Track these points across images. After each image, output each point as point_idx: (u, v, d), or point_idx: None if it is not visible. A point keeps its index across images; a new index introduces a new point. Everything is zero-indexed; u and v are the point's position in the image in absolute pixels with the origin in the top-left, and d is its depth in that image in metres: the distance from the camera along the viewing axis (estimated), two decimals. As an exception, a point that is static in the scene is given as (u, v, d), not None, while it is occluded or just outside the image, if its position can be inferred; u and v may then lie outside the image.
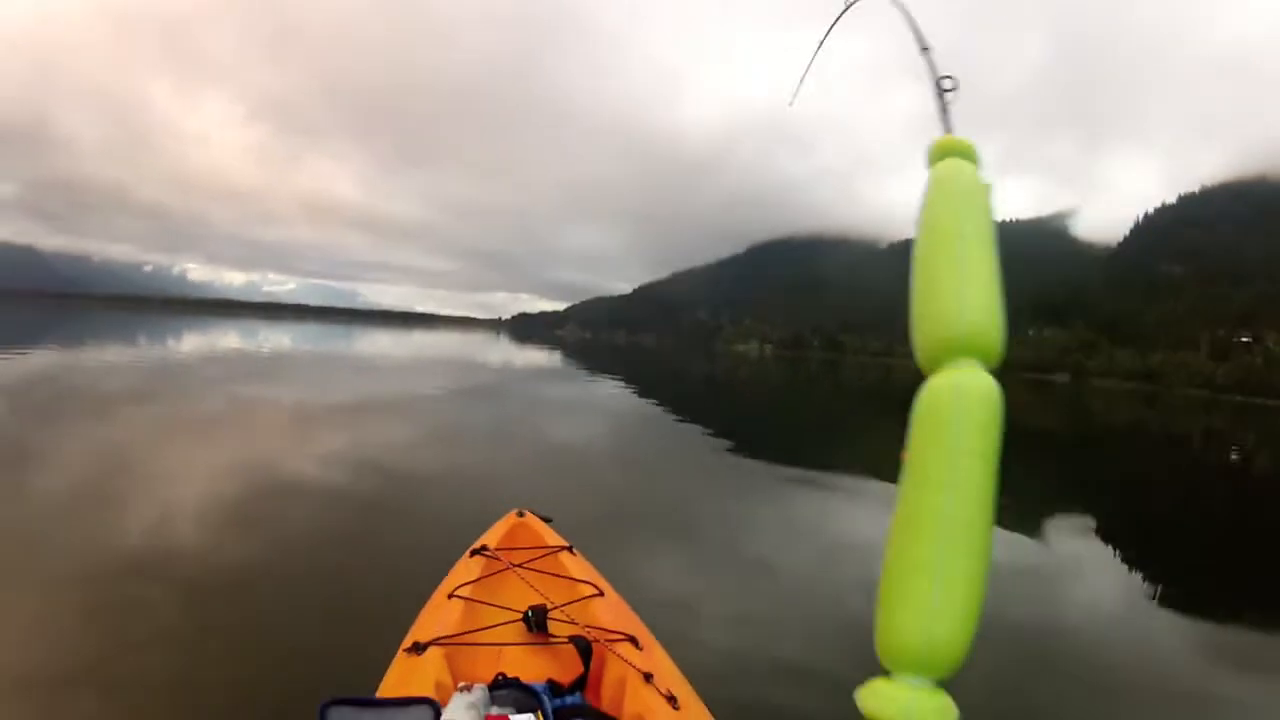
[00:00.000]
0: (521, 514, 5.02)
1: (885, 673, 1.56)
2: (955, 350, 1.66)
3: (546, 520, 5.03)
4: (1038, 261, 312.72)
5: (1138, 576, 9.78)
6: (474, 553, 4.41)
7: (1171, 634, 7.56)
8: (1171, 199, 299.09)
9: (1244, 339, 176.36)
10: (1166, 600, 8.70)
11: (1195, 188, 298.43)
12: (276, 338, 59.93)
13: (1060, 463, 22.67)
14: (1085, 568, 9.99)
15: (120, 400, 17.26)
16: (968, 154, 1.96)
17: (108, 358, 29.79)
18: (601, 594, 3.97)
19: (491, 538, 4.65)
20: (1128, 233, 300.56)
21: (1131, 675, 6.30)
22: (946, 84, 2.14)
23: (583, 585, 4.04)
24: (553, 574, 4.19)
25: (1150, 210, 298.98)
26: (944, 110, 2.10)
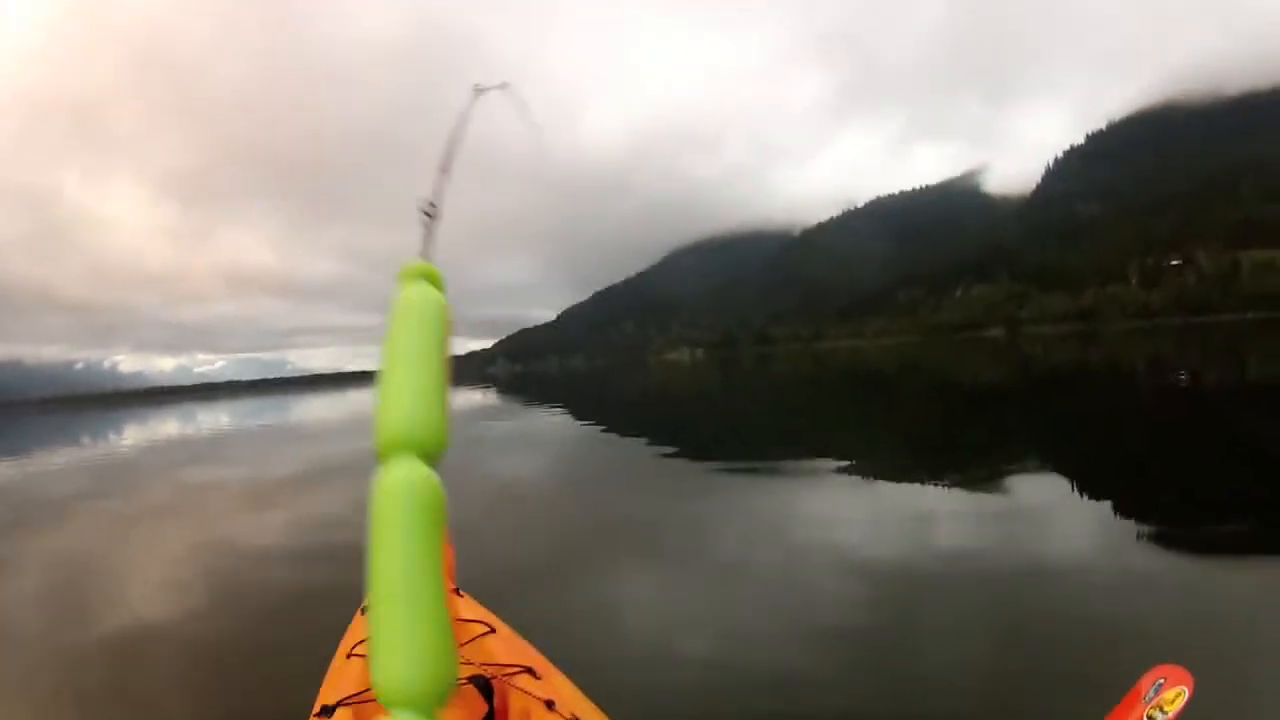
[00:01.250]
0: None
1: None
2: (402, 446, 1.88)
3: None
4: (955, 223, 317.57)
5: (1103, 512, 9.15)
6: (364, 610, 3.80)
7: (1148, 564, 7.13)
8: (1080, 140, 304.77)
9: (1174, 262, 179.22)
10: (1136, 532, 8.12)
11: (1103, 124, 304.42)
12: (212, 418, 58.89)
13: (1006, 413, 21.71)
14: (1051, 510, 9.38)
15: (69, 502, 16.81)
16: (434, 279, 2.25)
17: (54, 461, 29.60)
18: (493, 630, 3.72)
19: None
20: (1040, 180, 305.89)
21: (1113, 610, 5.90)
22: (431, 211, 2.45)
23: (474, 625, 3.73)
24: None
25: (1059, 154, 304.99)
26: (427, 237, 2.42)
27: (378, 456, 1.91)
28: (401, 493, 1.81)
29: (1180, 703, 2.34)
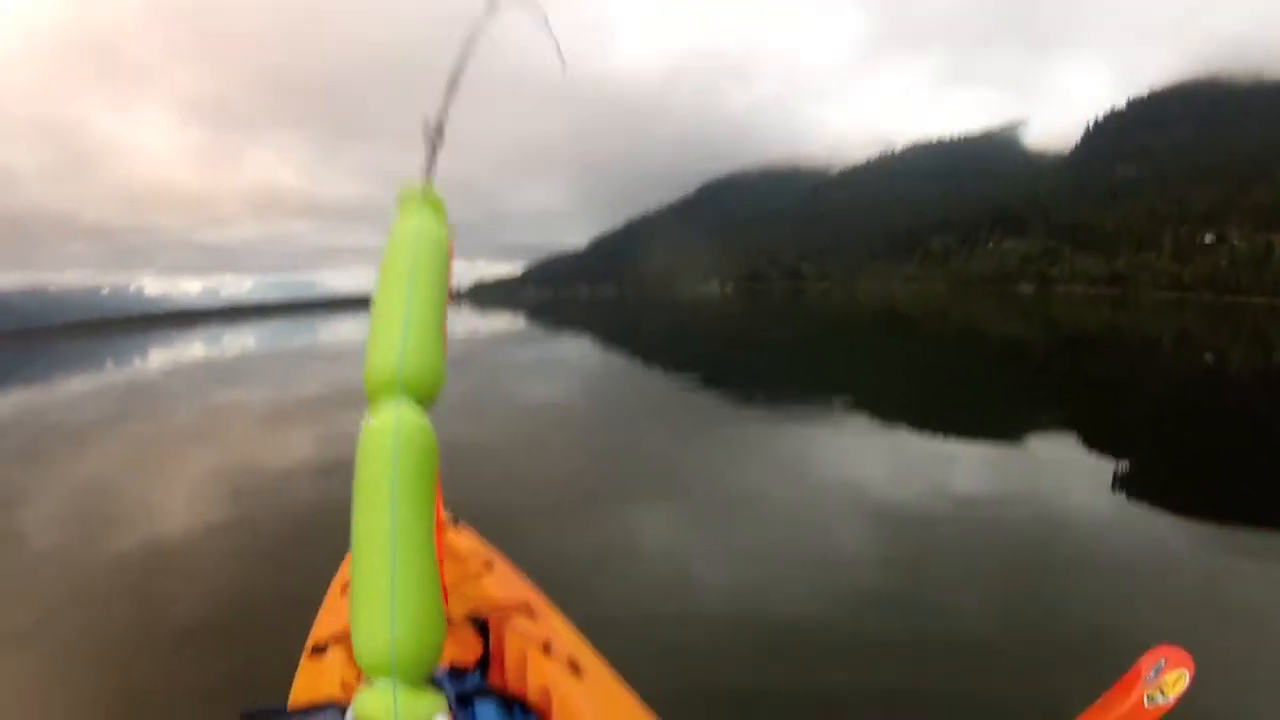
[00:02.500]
0: None
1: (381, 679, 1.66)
2: (394, 389, 1.84)
3: None
4: (991, 174, 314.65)
5: (1117, 483, 9.43)
6: None
7: (1155, 539, 7.40)
8: (1121, 104, 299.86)
9: (1208, 238, 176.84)
10: (1152, 499, 8.62)
11: (1144, 91, 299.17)
12: (240, 341, 59.59)
13: (1031, 371, 22.13)
14: (1070, 473, 9.74)
15: (93, 428, 17.60)
16: (435, 204, 2.25)
17: (79, 388, 30.06)
18: (491, 566, 3.95)
19: None
20: (1079, 139, 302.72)
21: (1116, 585, 6.16)
22: (434, 133, 2.34)
23: (471, 560, 3.98)
24: (441, 552, 3.26)
25: (1100, 116, 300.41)
26: (430, 159, 2.32)
27: (367, 396, 1.88)
28: (391, 438, 1.76)
29: (1181, 686, 2.27)
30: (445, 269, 2.13)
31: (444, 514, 4.35)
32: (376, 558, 1.67)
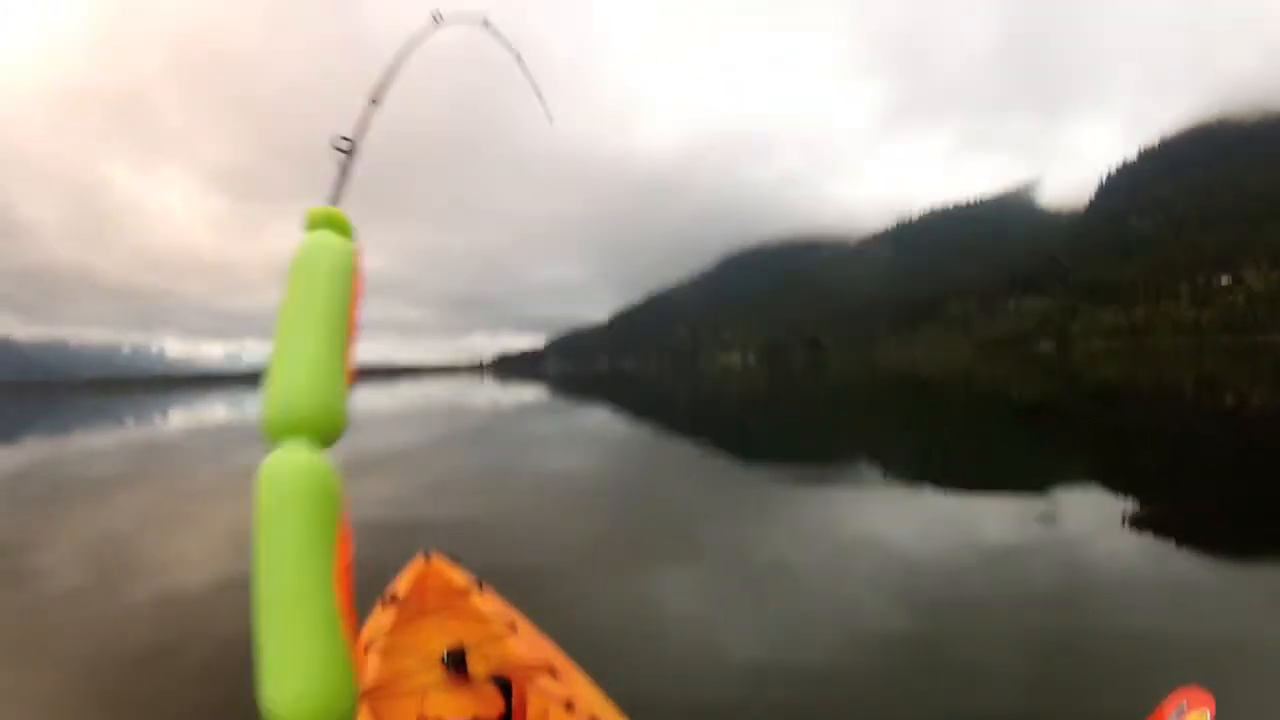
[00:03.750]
0: (428, 556, 4.89)
1: None
2: (293, 428, 1.74)
3: (454, 558, 4.97)
4: (1007, 236, 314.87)
5: (1143, 531, 9.10)
6: (385, 603, 4.24)
7: (1199, 580, 7.13)
8: (1133, 156, 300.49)
9: (1224, 281, 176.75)
10: (1188, 547, 8.28)
11: (1155, 141, 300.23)
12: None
13: (1054, 428, 22.14)
14: (1093, 523, 9.48)
15: (113, 483, 17.13)
16: (340, 226, 2.10)
17: (97, 442, 29.87)
18: (515, 628, 3.96)
19: (400, 585, 4.56)
20: (1093, 195, 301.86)
21: (1144, 630, 5.88)
22: (344, 146, 2.25)
23: (496, 622, 4.02)
24: (466, 615, 4.21)
25: (1113, 170, 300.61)
26: (342, 176, 2.22)
27: (265, 433, 1.77)
28: (289, 482, 1.68)
29: None
30: (349, 296, 1.97)
31: (469, 577, 4.65)
32: (278, 612, 1.64)
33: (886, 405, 34.84)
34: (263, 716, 1.63)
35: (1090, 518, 9.95)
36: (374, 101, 2.41)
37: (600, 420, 30.94)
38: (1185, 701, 2.36)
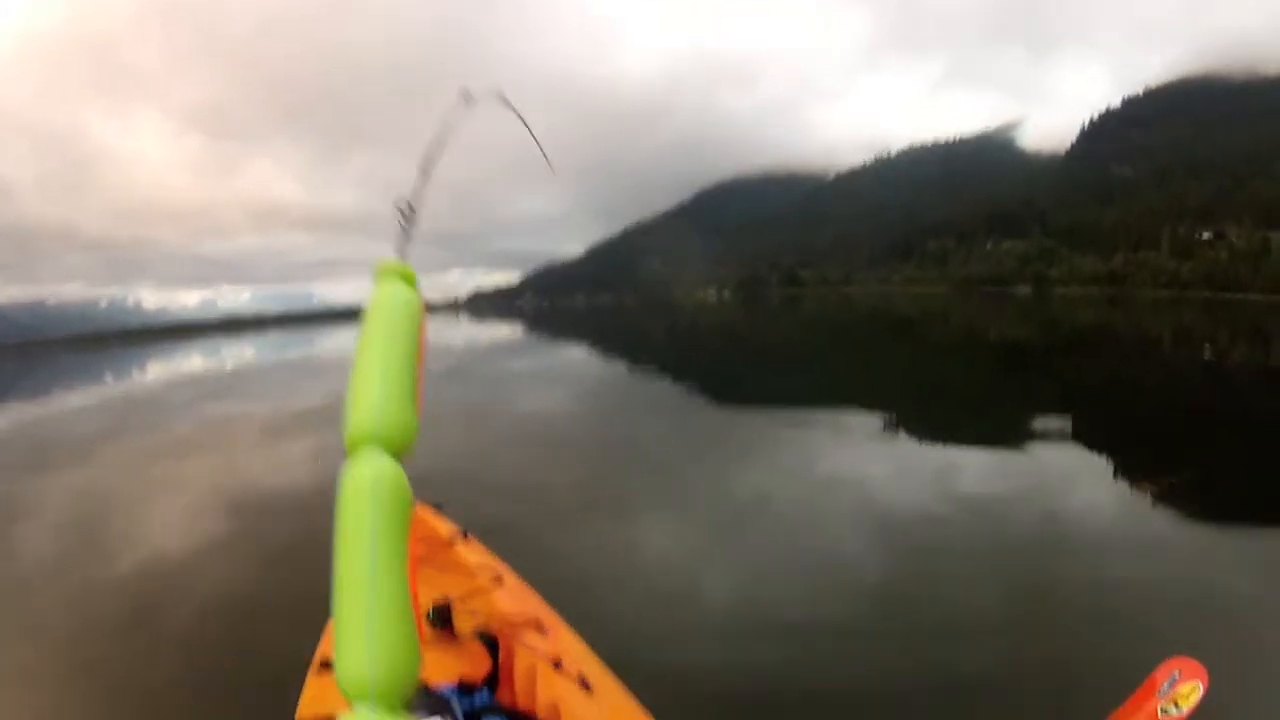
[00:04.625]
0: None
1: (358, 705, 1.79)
2: (370, 440, 2.06)
3: (437, 507, 4.98)
4: (988, 175, 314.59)
5: (1121, 485, 9.55)
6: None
7: (1181, 540, 7.43)
8: (1116, 103, 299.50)
9: (1206, 235, 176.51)
10: (1152, 508, 8.50)
11: (1140, 90, 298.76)
12: (238, 353, 59.27)
13: (1033, 372, 22.27)
14: (1076, 478, 9.72)
15: (91, 441, 17.65)
16: (408, 278, 2.55)
17: (78, 401, 30.14)
18: (501, 580, 3.94)
19: None
20: (1075, 139, 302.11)
21: (1137, 580, 6.22)
22: (407, 212, 2.66)
23: (481, 574, 3.98)
24: (450, 566, 4.17)
25: (1095, 116, 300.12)
26: (404, 236, 2.63)
27: (346, 446, 2.10)
28: (367, 487, 1.95)
29: (1195, 698, 2.34)
30: (417, 333, 2.37)
31: (453, 527, 4.60)
32: (356, 597, 1.84)
33: (863, 343, 34.97)
34: (343, 689, 1.80)
35: (1070, 471, 10.16)
36: (424, 172, 2.73)
37: (575, 359, 31.13)
38: (1177, 671, 2.37)
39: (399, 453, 2.09)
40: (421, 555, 4.14)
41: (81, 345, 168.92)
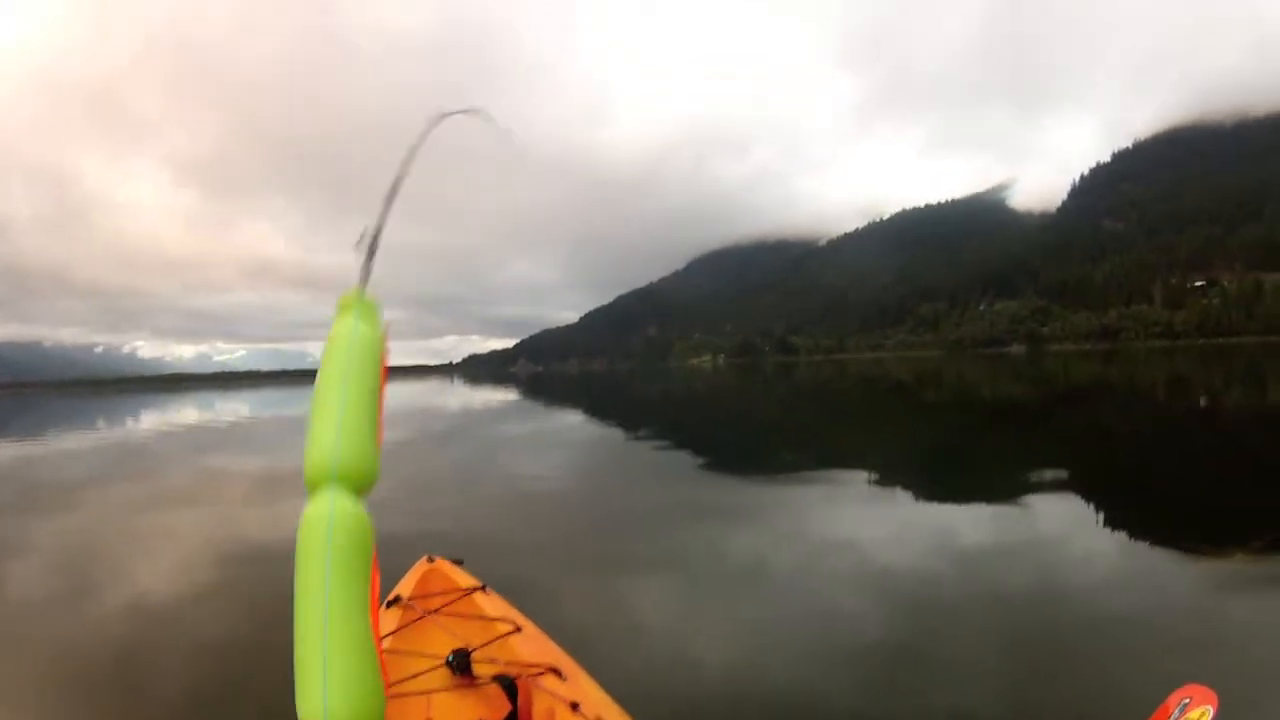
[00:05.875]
0: (432, 559, 4.90)
1: None
2: (330, 479, 2.01)
3: (457, 563, 4.94)
4: (979, 237, 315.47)
5: (1123, 532, 9.14)
6: (388, 604, 4.23)
7: (1170, 583, 7.15)
8: (1106, 158, 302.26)
9: (1198, 283, 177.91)
10: (1158, 551, 8.29)
11: (1129, 142, 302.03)
12: (232, 407, 58.86)
13: (1027, 430, 21.85)
14: (1074, 526, 9.51)
15: (82, 486, 17.26)
16: (369, 311, 2.40)
17: (70, 444, 29.78)
18: (520, 629, 3.96)
19: (404, 587, 4.50)
20: (1066, 197, 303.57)
21: (1136, 629, 5.89)
22: (367, 240, 2.48)
23: (500, 623, 4.00)
24: (469, 616, 4.16)
25: (1085, 172, 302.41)
26: (366, 268, 2.46)
27: (306, 483, 2.03)
28: (325, 526, 1.91)
29: None
30: (379, 369, 2.29)
31: (472, 580, 4.56)
32: (314, 637, 1.84)
33: (856, 407, 34.59)
34: None
35: (1068, 519, 10.00)
36: (388, 199, 2.63)
37: (573, 423, 30.62)
38: (1188, 699, 2.46)
39: (360, 490, 2.05)
40: (441, 606, 4.20)
41: (77, 390, 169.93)
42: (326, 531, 1.92)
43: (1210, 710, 2.42)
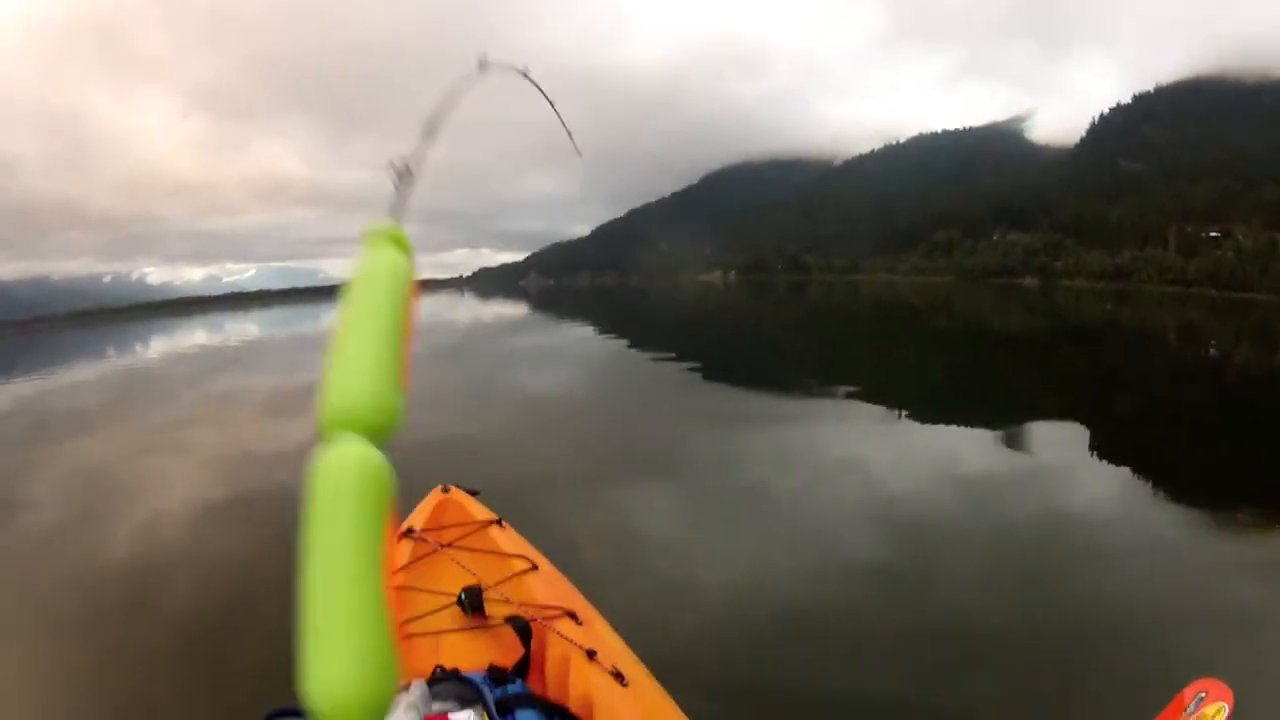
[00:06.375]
0: (446, 489, 4.89)
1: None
2: (348, 424, 1.83)
3: (473, 493, 4.98)
4: (997, 166, 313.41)
5: (1128, 472, 9.84)
6: (401, 536, 4.23)
7: (1172, 527, 7.68)
8: (1127, 99, 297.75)
9: (1213, 234, 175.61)
10: (1162, 493, 8.83)
11: (1151, 86, 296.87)
12: (241, 328, 59.15)
13: (1037, 364, 22.28)
14: (1075, 467, 9.98)
15: (93, 415, 17.50)
16: (400, 242, 2.27)
17: (81, 376, 30.07)
18: (536, 568, 3.95)
19: (417, 518, 4.57)
20: (1085, 133, 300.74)
21: (1137, 570, 6.45)
22: (404, 173, 2.43)
23: (516, 560, 4.00)
24: (484, 551, 4.12)
25: (1105, 111, 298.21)
26: (399, 199, 2.37)
27: (319, 428, 1.88)
28: (343, 476, 1.74)
29: (1221, 718, 2.36)
30: (408, 307, 2.11)
31: (488, 513, 4.66)
32: (329, 601, 1.65)
33: (869, 333, 34.85)
34: (307, 703, 1.62)
35: (1071, 463, 10.23)
36: (427, 134, 2.54)
37: (583, 336, 30.89)
38: (1204, 692, 2.51)
39: (380, 438, 1.86)
40: (455, 539, 4.21)
41: (85, 320, 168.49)
42: (343, 483, 1.73)
43: (1225, 706, 2.40)
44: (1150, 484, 9.42)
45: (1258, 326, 39.89)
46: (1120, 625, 5.69)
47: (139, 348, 44.85)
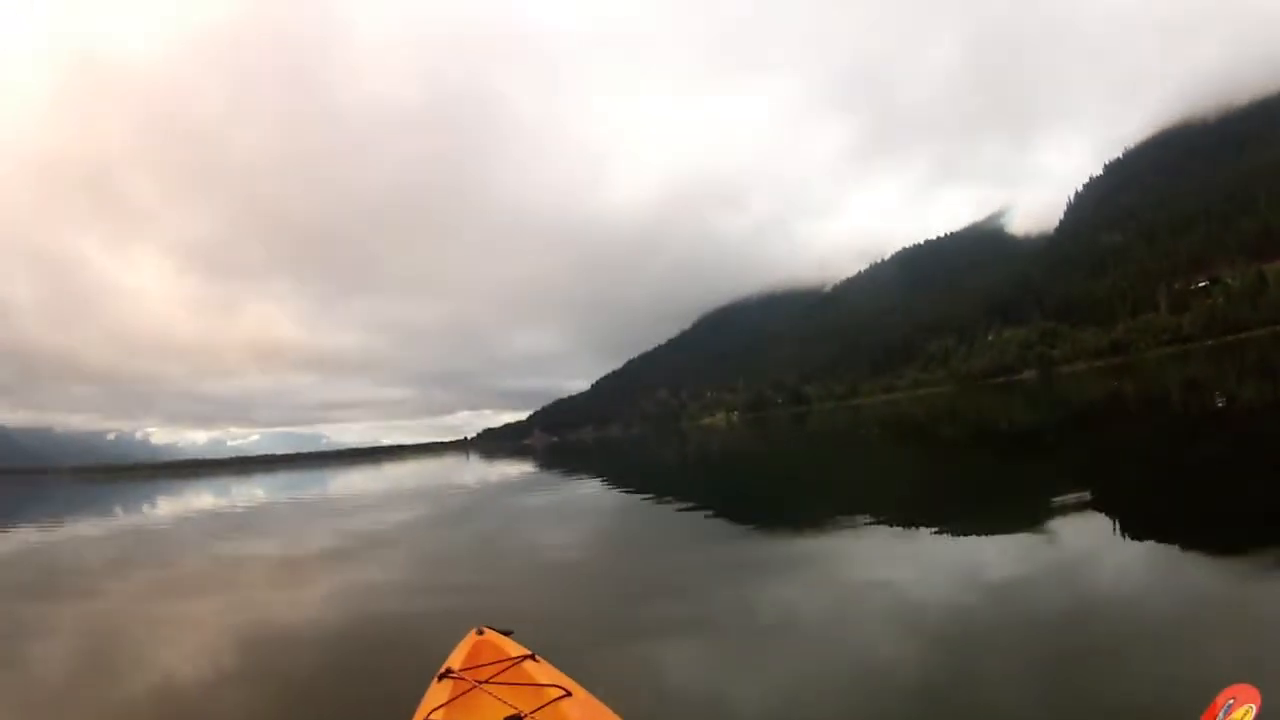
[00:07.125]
0: (481, 631, 5.10)
1: None
2: None
3: (506, 633, 5.13)
4: (981, 267, 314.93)
5: (1151, 542, 9.48)
6: (440, 677, 4.38)
7: (1201, 587, 7.23)
8: (1098, 170, 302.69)
9: (1201, 284, 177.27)
10: (1190, 549, 8.55)
11: (1119, 153, 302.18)
12: (248, 492, 58.68)
13: (1044, 454, 21.81)
14: (1099, 545, 9.65)
15: (111, 571, 17.41)
16: None
17: (86, 530, 29.89)
18: (570, 694, 4.05)
19: (455, 659, 4.69)
20: (1063, 215, 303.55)
21: (1173, 636, 6.01)
22: None
23: (551, 689, 4.10)
24: (520, 684, 4.26)
25: (1079, 188, 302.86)
26: None
27: None
28: None
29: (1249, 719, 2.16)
30: None
31: (521, 650, 4.77)
32: None
33: (874, 453, 34.29)
34: None
35: (1095, 536, 10.12)
36: None
37: (592, 491, 30.46)
38: (1233, 699, 2.66)
39: None
40: (492, 676, 4.26)
41: (90, 476, 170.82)
42: None
43: (1253, 708, 2.48)
44: (1162, 536, 9.55)
45: (1257, 365, 39.88)
46: (1149, 655, 5.69)
47: (146, 507, 45.25)
